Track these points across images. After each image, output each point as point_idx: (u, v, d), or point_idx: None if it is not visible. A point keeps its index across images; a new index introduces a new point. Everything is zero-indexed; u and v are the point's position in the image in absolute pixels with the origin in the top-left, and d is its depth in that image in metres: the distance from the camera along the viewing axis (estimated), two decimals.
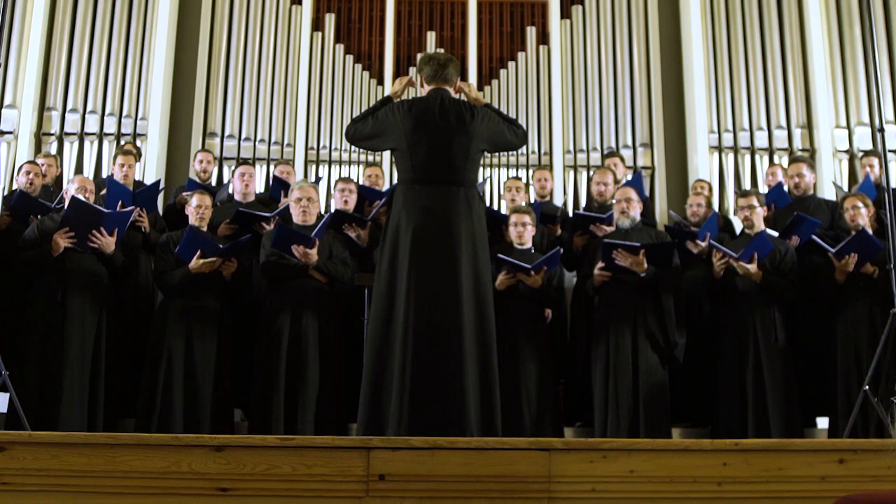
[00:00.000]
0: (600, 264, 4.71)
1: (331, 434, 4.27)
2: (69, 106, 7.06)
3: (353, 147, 7.25)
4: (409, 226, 3.55)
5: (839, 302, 4.74)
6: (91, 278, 4.60)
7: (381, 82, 7.50)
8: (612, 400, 4.59)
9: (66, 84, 7.12)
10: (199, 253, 4.57)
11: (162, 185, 6.25)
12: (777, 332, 4.67)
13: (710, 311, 5.05)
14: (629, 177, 6.23)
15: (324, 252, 4.68)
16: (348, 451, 2.63)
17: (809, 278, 4.88)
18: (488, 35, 7.79)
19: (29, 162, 5.44)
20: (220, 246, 4.63)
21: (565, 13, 7.70)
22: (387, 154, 7.03)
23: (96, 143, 7.05)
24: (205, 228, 4.84)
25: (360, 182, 5.99)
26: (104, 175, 6.45)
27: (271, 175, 6.46)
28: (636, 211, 4.96)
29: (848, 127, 7.15)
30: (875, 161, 5.61)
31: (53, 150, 6.82)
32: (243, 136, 7.23)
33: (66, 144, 7.01)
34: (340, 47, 7.55)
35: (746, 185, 7.11)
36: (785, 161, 6.79)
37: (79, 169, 6.91)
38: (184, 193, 5.48)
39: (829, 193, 6.54)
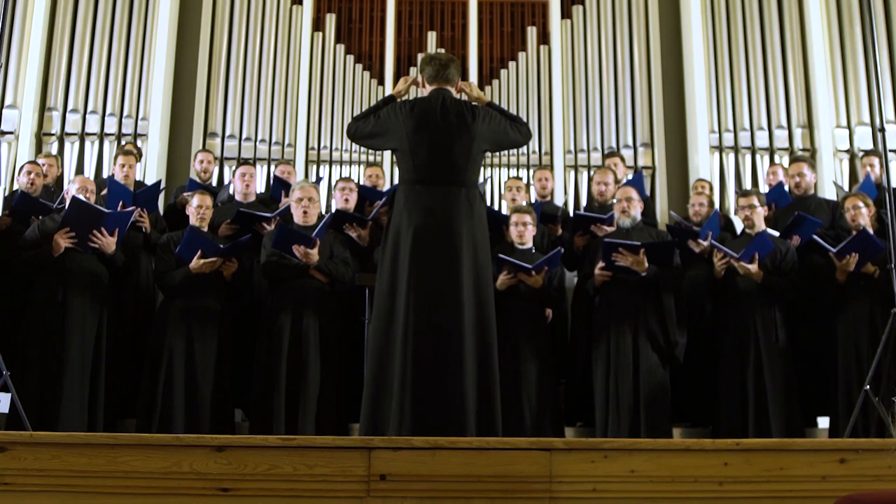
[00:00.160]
0: (601, 264, 4.71)
1: (331, 434, 4.27)
2: (70, 106, 7.07)
3: (353, 147, 7.26)
4: (410, 226, 3.55)
5: (840, 302, 4.74)
6: (92, 278, 4.60)
7: (381, 82, 7.50)
8: (613, 400, 4.59)
9: (67, 84, 7.12)
10: (199, 253, 4.57)
11: (163, 186, 6.25)
12: (778, 332, 4.67)
13: (711, 310, 5.05)
14: (630, 176, 6.22)
15: (324, 252, 4.68)
16: (349, 451, 2.63)
17: (810, 278, 4.87)
18: (489, 35, 7.79)
19: (30, 162, 5.44)
20: (221, 246, 4.63)
21: (566, 13, 7.70)
22: (387, 154, 7.04)
23: (97, 143, 7.05)
24: (205, 229, 4.84)
25: (361, 182, 6.00)
26: (105, 175, 6.45)
27: (272, 175, 6.47)
28: (637, 210, 4.96)
29: (848, 126, 7.15)
30: (876, 161, 5.61)
31: (54, 151, 6.82)
32: (244, 136, 7.23)
33: (67, 145, 7.01)
34: (341, 47, 7.55)
35: (747, 184, 7.11)
36: (786, 161, 6.79)
37: (79, 169, 6.91)
38: (184, 194, 5.48)
39: (829, 193, 6.53)
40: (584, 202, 6.96)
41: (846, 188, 6.55)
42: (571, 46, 7.57)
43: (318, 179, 6.61)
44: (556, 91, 7.44)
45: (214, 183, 6.51)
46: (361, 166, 7.07)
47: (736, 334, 4.74)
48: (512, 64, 7.59)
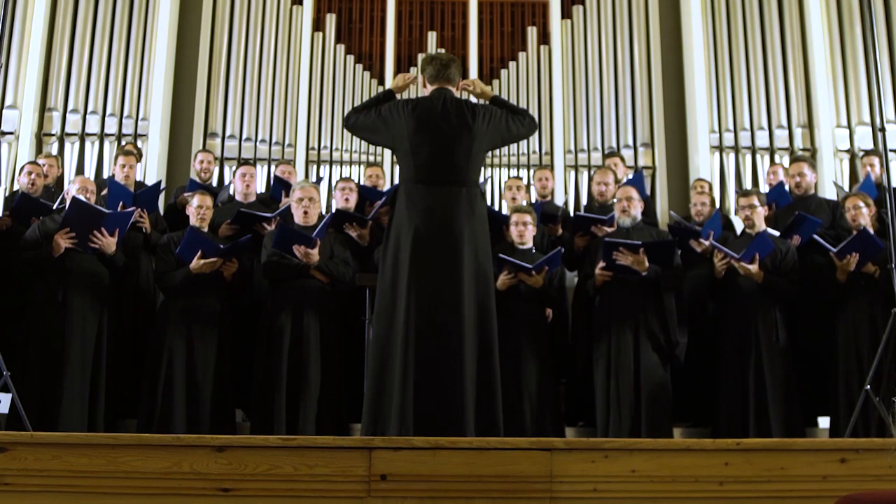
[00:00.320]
0: (601, 264, 4.71)
1: (332, 434, 4.27)
2: (70, 106, 7.07)
3: (353, 147, 7.27)
4: (411, 226, 3.54)
5: (840, 301, 4.74)
6: (92, 279, 4.60)
7: (381, 82, 7.50)
8: (614, 400, 4.59)
9: (67, 84, 7.12)
10: (199, 253, 4.57)
11: (163, 186, 6.25)
12: (778, 332, 4.67)
13: (714, 309, 5.05)
14: (630, 176, 6.22)
15: (325, 252, 4.68)
16: (350, 451, 2.63)
17: (811, 278, 4.87)
18: (489, 35, 7.79)
19: (30, 162, 5.44)
20: (221, 246, 4.63)
21: (566, 13, 7.70)
22: (387, 154, 7.04)
23: (97, 143, 7.05)
24: (206, 229, 4.84)
25: (361, 182, 6.00)
26: (105, 176, 6.45)
27: (272, 175, 6.47)
28: (637, 210, 4.95)
29: (849, 126, 7.15)
30: (876, 160, 5.61)
31: (54, 151, 6.82)
32: (244, 136, 7.23)
33: (67, 145, 7.01)
34: (341, 47, 7.55)
35: (747, 184, 7.10)
36: (786, 160, 6.79)
37: (80, 169, 6.91)
38: (185, 194, 5.48)
39: (830, 193, 6.53)
40: (584, 202, 6.96)
41: (846, 188, 6.54)
42: (572, 46, 7.57)
43: (319, 180, 6.61)
44: (556, 91, 7.44)
45: (215, 183, 6.51)
46: (361, 166, 7.07)
47: (736, 334, 4.73)
48: (512, 64, 7.58)
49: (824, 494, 2.62)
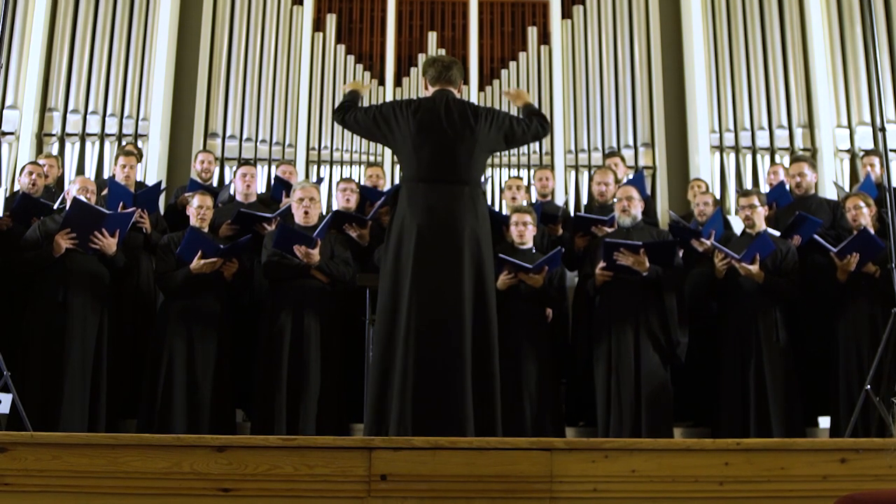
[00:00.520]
0: (602, 264, 4.71)
1: (332, 434, 4.27)
2: (70, 107, 7.07)
3: (354, 147, 7.27)
4: (412, 224, 3.54)
5: (841, 301, 4.73)
6: (92, 279, 4.60)
7: (382, 82, 7.50)
8: (615, 400, 4.59)
9: (68, 85, 7.13)
10: (200, 254, 4.57)
11: (163, 186, 6.25)
12: (779, 332, 4.67)
13: (716, 309, 5.04)
14: (630, 176, 6.22)
15: (325, 252, 4.68)
16: (350, 451, 2.63)
17: (811, 278, 4.87)
18: (489, 35, 7.79)
19: (31, 163, 5.44)
20: (221, 246, 4.63)
21: (566, 13, 7.70)
22: (388, 154, 7.05)
23: (98, 143, 7.06)
24: (206, 229, 4.84)
25: (362, 182, 6.00)
26: (105, 176, 6.45)
27: (273, 175, 6.47)
28: (637, 209, 4.95)
29: (849, 126, 7.15)
30: (876, 160, 5.61)
31: (55, 151, 6.82)
32: (244, 136, 7.24)
33: (68, 145, 7.02)
34: (341, 48, 7.56)
35: (748, 184, 7.11)
36: (786, 160, 6.79)
37: (80, 170, 6.92)
38: (185, 194, 5.48)
39: (830, 193, 6.53)
40: (584, 202, 6.96)
41: (847, 188, 6.54)
42: (572, 46, 7.57)
43: (320, 180, 6.62)
44: (556, 91, 7.45)
45: (215, 183, 6.50)
46: (362, 167, 7.08)
47: (737, 334, 4.73)
48: (512, 64, 7.59)
49: (824, 494, 2.62)
